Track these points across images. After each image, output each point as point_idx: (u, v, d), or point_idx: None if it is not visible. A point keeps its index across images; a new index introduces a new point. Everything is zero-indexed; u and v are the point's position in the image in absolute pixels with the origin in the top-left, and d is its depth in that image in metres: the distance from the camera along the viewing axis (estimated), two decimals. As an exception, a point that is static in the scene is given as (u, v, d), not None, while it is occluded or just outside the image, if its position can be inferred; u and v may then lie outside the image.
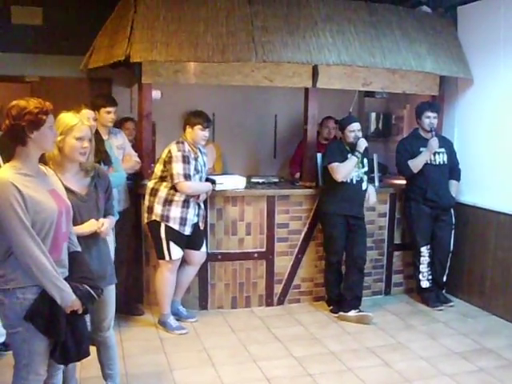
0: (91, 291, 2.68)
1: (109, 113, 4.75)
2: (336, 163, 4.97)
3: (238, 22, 5.10)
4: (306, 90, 5.45)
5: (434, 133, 5.35)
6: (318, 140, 6.06)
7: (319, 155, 5.41)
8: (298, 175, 5.98)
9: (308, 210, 5.42)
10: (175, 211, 4.60)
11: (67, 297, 2.55)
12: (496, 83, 5.36)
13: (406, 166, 5.37)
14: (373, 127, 7.18)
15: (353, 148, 5.01)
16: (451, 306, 5.46)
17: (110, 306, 3.25)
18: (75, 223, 2.86)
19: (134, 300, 5.11)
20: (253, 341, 4.61)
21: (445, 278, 5.60)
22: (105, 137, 4.61)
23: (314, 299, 5.55)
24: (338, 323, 5.03)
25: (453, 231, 5.56)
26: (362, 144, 4.99)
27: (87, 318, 3.02)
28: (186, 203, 4.63)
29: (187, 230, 4.66)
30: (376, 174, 5.49)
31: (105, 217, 3.15)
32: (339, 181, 4.96)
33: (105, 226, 3.07)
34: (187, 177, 4.55)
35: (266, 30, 5.12)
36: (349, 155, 5.01)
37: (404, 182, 5.67)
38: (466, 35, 5.75)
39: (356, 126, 5.07)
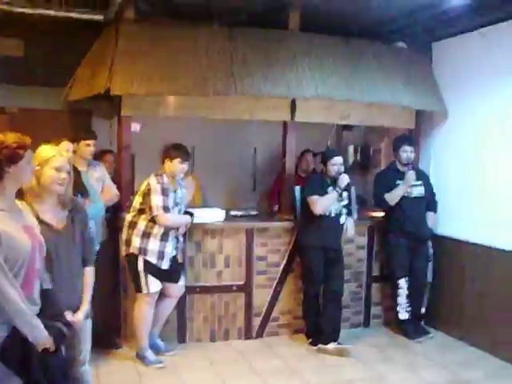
0: (63, 329, 2.62)
1: (88, 145, 4.77)
2: (316, 196, 4.98)
3: (218, 55, 5.18)
4: (285, 123, 5.50)
5: (410, 166, 5.43)
6: (297, 173, 6.10)
7: (297, 188, 5.44)
8: (276, 208, 5.99)
9: (287, 243, 5.43)
10: (153, 244, 4.57)
11: (39, 334, 2.48)
12: (470, 117, 5.47)
13: (382, 199, 5.43)
14: (351, 160, 7.23)
15: (334, 182, 5.03)
16: (430, 338, 5.47)
17: (85, 340, 3.20)
18: (50, 258, 2.81)
19: (112, 333, 5.04)
20: (232, 374, 4.57)
21: (423, 310, 5.63)
22: (84, 169, 4.63)
23: (293, 332, 5.51)
24: (317, 356, 5.01)
25: (430, 263, 5.61)
26: (344, 180, 4.98)
27: (61, 353, 2.97)
28: (164, 236, 4.61)
29: (165, 264, 4.63)
30: (354, 207, 5.51)
31: (84, 264, 3.13)
32: (317, 214, 4.98)
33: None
34: (166, 209, 4.55)
35: (245, 64, 5.20)
36: (329, 189, 5.03)
37: (382, 214, 5.71)
38: (440, 70, 5.89)
39: (338, 159, 5.07)
